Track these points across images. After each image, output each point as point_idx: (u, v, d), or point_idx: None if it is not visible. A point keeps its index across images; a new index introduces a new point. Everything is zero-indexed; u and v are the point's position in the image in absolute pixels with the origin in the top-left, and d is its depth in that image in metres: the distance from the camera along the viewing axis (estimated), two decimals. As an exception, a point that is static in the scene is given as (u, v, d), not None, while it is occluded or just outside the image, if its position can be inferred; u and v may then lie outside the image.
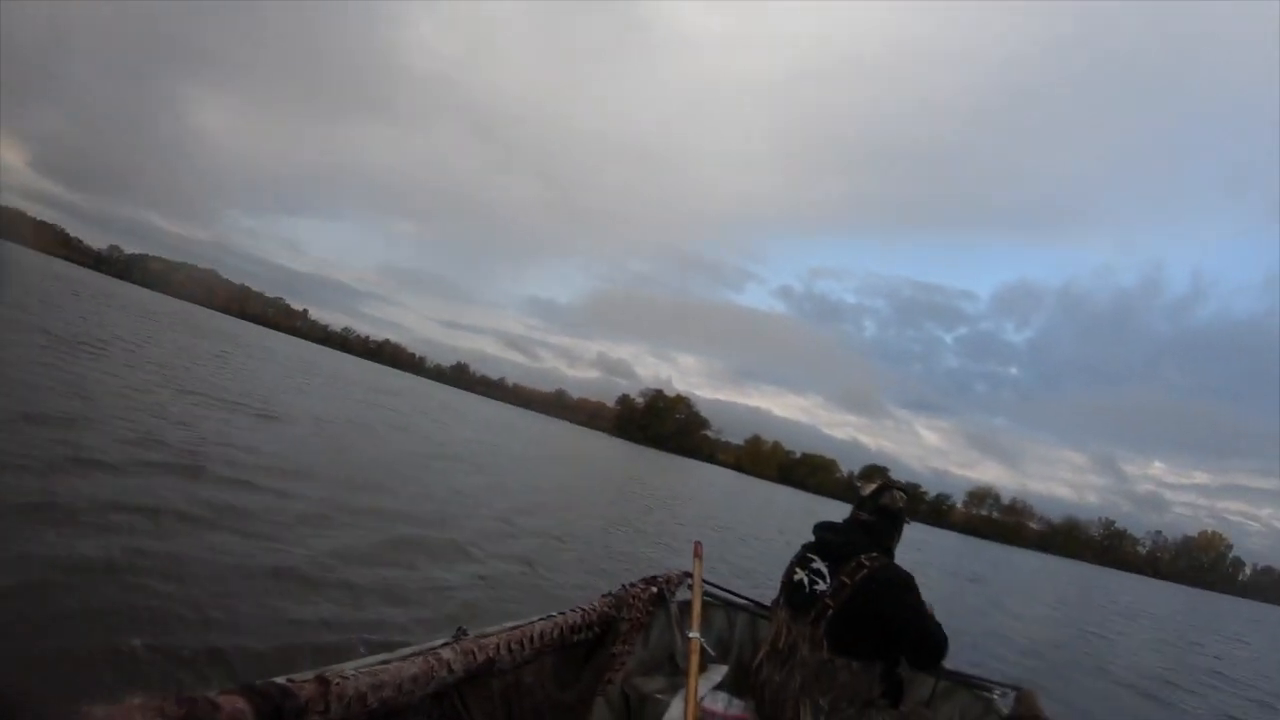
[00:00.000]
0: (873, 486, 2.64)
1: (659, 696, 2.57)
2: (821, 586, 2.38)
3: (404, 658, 1.68)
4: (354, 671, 1.48)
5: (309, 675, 1.37)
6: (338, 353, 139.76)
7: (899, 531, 2.64)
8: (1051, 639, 11.11)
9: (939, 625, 2.46)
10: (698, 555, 2.92)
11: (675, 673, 2.85)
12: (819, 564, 2.44)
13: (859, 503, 2.64)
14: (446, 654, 1.80)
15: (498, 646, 2.02)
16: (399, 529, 7.15)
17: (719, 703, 2.58)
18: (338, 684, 1.39)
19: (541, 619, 2.35)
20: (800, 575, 2.48)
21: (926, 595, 2.48)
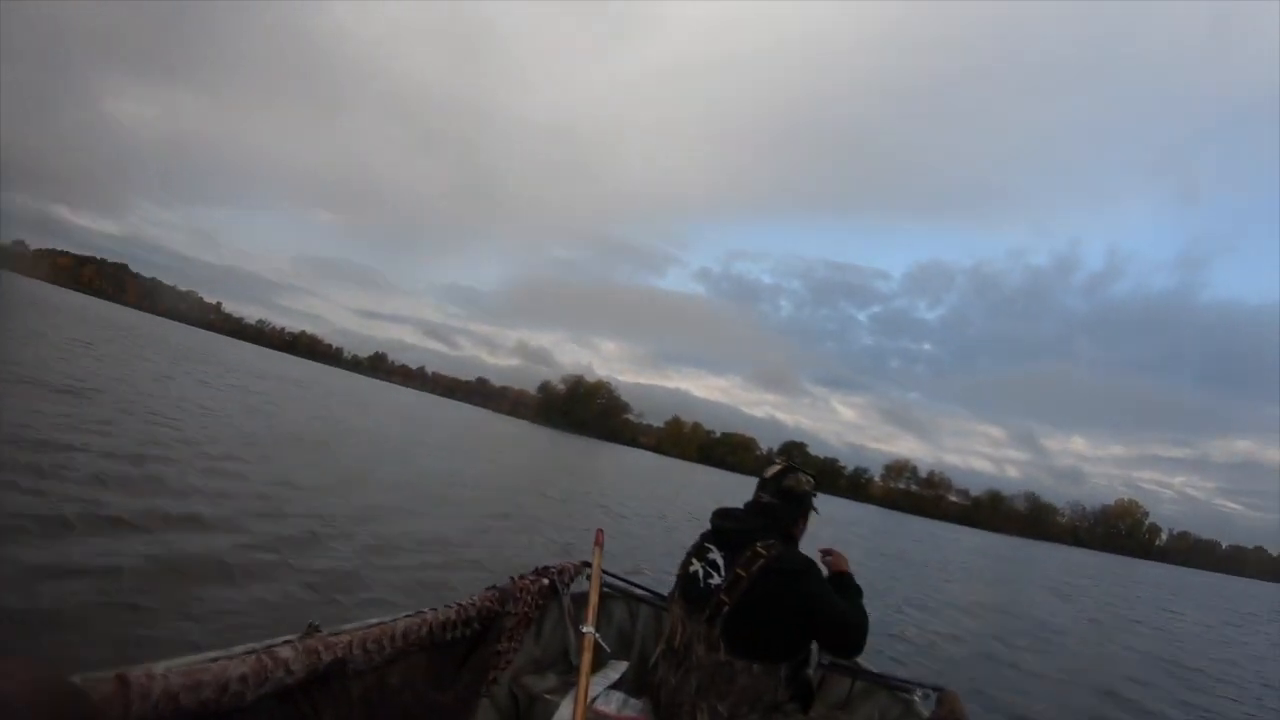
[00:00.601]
0: (776, 468, 2.44)
1: (549, 696, 2.36)
2: (716, 580, 2.19)
3: (234, 656, 1.47)
4: (165, 670, 1.28)
5: (108, 674, 1.18)
6: (252, 346, 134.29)
7: (805, 517, 2.44)
8: (996, 629, 10.49)
9: (857, 607, 2.28)
10: (598, 544, 2.68)
11: (569, 670, 2.63)
12: (715, 554, 2.25)
13: (761, 484, 2.43)
14: (285, 653, 1.58)
15: (349, 645, 1.78)
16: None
17: (613, 703, 2.37)
18: (141, 683, 1.20)
19: (407, 615, 2.09)
20: (696, 567, 2.28)
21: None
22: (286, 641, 1.64)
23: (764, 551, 2.16)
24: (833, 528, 24.69)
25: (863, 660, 2.91)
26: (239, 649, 1.51)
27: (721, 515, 2.40)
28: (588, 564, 2.81)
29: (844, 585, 2.40)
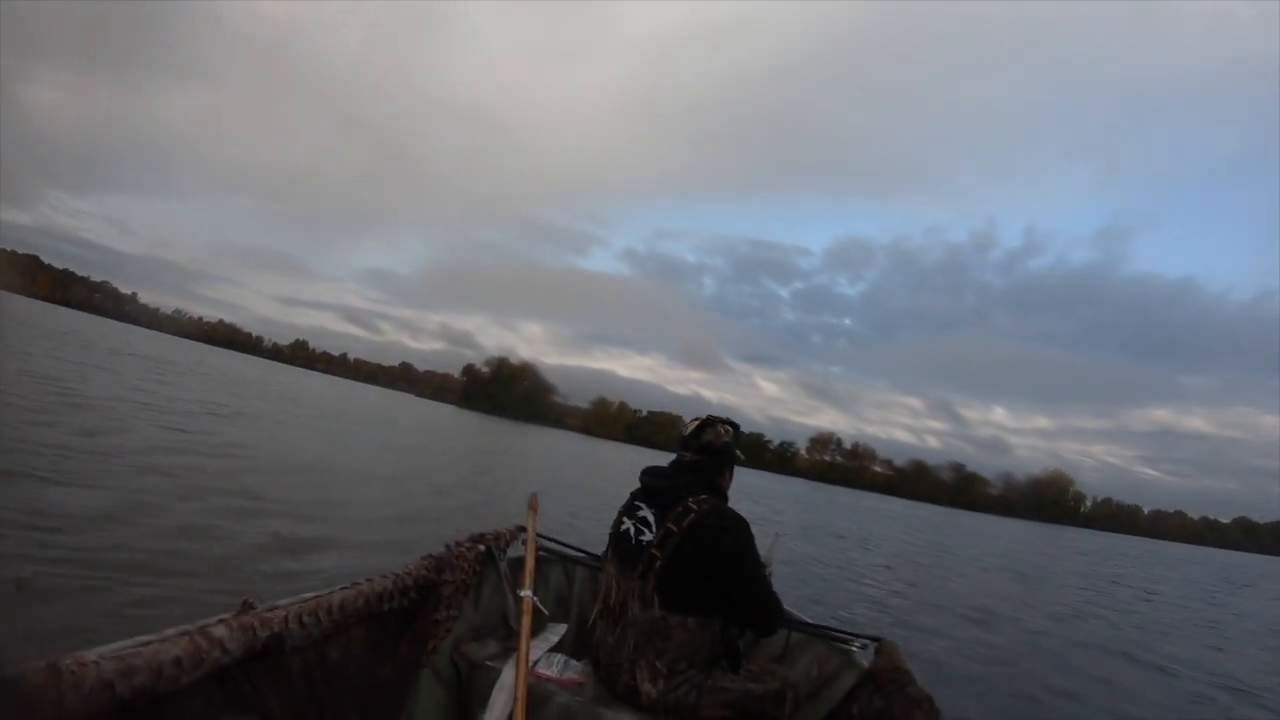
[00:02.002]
0: (695, 423, 2.46)
1: (490, 663, 2.33)
2: (648, 536, 2.20)
3: (166, 639, 1.41)
4: (98, 656, 1.24)
5: (38, 664, 1.14)
6: (169, 337, 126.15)
7: (730, 469, 2.45)
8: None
9: (767, 580, 2.31)
10: (533, 509, 2.67)
11: (509, 636, 2.61)
12: (645, 511, 2.26)
13: (682, 442, 2.45)
14: (219, 632, 1.52)
15: (286, 620, 1.73)
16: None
17: (554, 666, 2.37)
18: (74, 672, 1.16)
19: (343, 588, 2.05)
20: (627, 525, 2.30)
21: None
22: (220, 620, 1.59)
23: (695, 506, 2.17)
24: (765, 502, 25.23)
25: (798, 612, 2.99)
26: (171, 631, 1.46)
27: (650, 473, 2.40)
28: (523, 529, 2.80)
29: None
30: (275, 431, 14.90)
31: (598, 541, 2.78)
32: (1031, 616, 10.27)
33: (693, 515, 2.15)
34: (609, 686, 2.22)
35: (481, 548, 2.67)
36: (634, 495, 2.38)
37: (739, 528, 2.20)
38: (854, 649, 2.74)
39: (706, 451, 2.39)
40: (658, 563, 2.13)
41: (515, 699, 2.01)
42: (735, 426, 2.52)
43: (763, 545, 2.46)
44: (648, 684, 2.13)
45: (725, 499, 2.35)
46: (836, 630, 2.86)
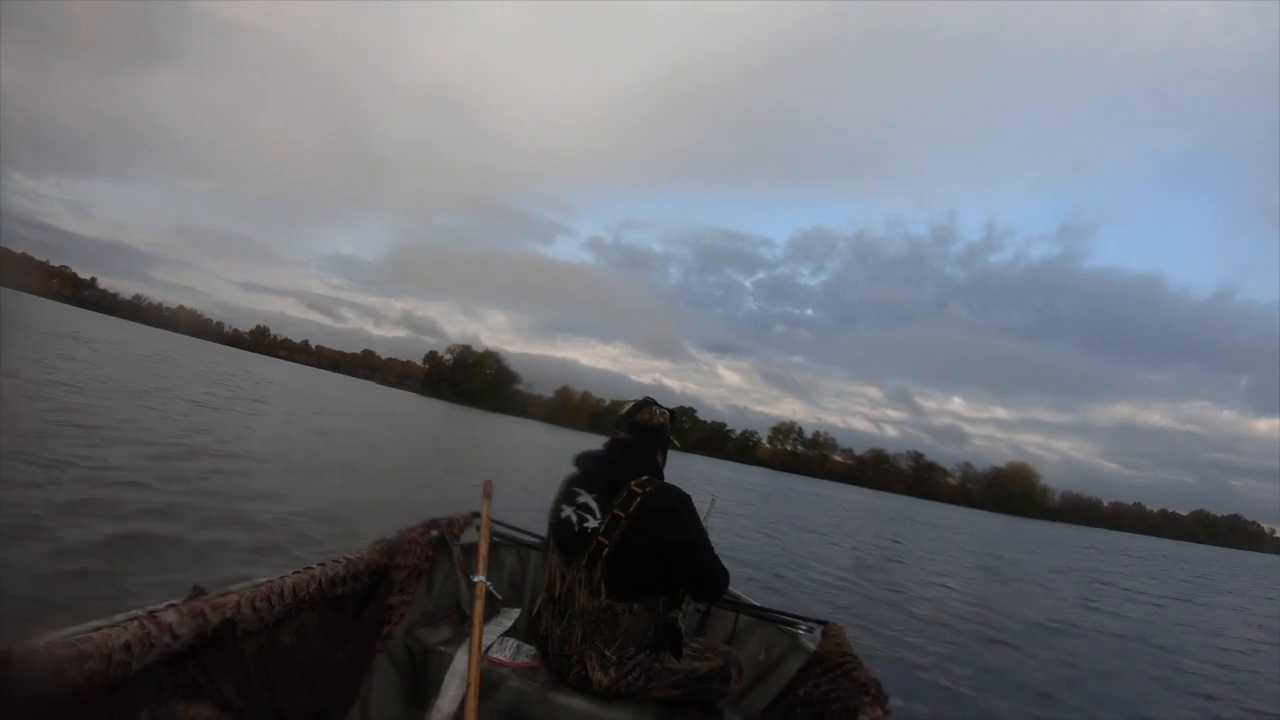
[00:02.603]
0: (630, 404, 2.46)
1: (444, 648, 2.36)
2: (593, 523, 2.18)
3: (116, 624, 1.42)
4: (47, 644, 1.25)
5: None
6: (127, 322, 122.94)
7: (664, 450, 2.44)
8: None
9: (713, 553, 2.32)
10: (487, 495, 2.68)
11: (463, 621, 2.64)
12: (586, 497, 2.24)
13: (616, 422, 2.44)
14: (169, 617, 1.53)
15: (238, 605, 1.74)
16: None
17: (507, 650, 2.39)
18: (24, 659, 1.17)
19: (296, 572, 2.06)
20: (567, 512, 2.27)
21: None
22: (170, 605, 1.59)
23: (639, 490, 2.16)
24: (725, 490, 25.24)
25: (745, 595, 3.04)
26: (120, 616, 1.46)
27: (587, 458, 2.38)
28: (477, 514, 2.80)
29: None
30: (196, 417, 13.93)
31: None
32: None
33: (639, 498, 2.15)
34: (559, 676, 2.23)
35: (434, 533, 2.67)
36: (571, 481, 2.34)
37: (684, 505, 2.21)
38: (801, 632, 2.79)
39: (641, 431, 2.38)
40: (605, 550, 2.13)
41: (468, 684, 2.03)
42: (671, 412, 2.52)
43: (701, 510, 2.47)
44: (599, 673, 2.16)
45: (663, 478, 2.33)
46: (784, 613, 2.91)
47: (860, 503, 46.82)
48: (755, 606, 2.97)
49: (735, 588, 2.98)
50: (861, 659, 2.19)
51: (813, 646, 2.61)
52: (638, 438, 2.37)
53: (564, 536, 2.25)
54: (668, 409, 2.49)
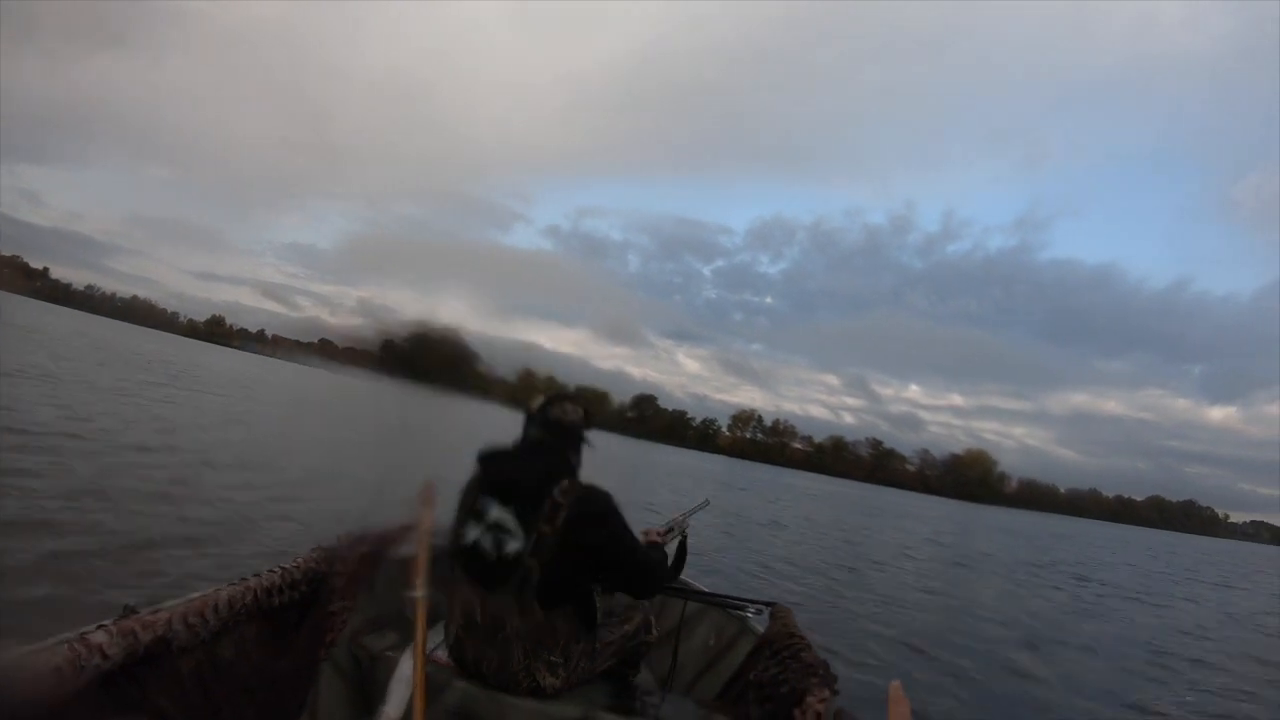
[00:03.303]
0: (540, 399, 2.29)
1: (391, 654, 2.31)
2: (514, 545, 2.00)
3: (45, 648, 1.39)
4: None
5: None
6: (81, 313, 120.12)
7: (578, 449, 2.28)
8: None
9: (644, 548, 2.27)
10: (426, 501, 2.61)
11: (408, 624, 2.58)
12: (499, 512, 2.04)
13: (527, 418, 2.26)
14: (99, 638, 1.50)
15: (169, 622, 1.71)
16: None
17: (446, 654, 2.35)
18: None
19: (230, 584, 2.02)
20: (475, 534, 2.07)
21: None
22: (100, 626, 1.55)
23: (563, 500, 2.02)
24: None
25: (693, 581, 3.04)
26: (50, 640, 1.43)
27: (492, 459, 2.16)
28: (417, 520, 2.73)
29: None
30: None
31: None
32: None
33: (563, 510, 2.00)
34: (507, 691, 2.13)
35: (374, 537, 2.63)
36: (476, 488, 2.15)
37: (609, 507, 2.10)
38: (749, 615, 2.81)
39: (553, 429, 2.22)
40: (535, 575, 2.00)
41: (414, 689, 2.00)
42: (586, 410, 2.33)
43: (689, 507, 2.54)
44: (549, 678, 2.10)
45: (577, 478, 2.19)
46: (732, 598, 2.92)
47: (822, 491, 47.85)
48: (703, 592, 2.98)
49: (687, 575, 3.01)
50: (809, 640, 2.21)
51: (761, 630, 2.62)
52: (552, 437, 2.21)
53: (479, 568, 2.06)
54: (580, 406, 2.31)
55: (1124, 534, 71.51)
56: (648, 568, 2.22)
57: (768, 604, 2.76)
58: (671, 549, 2.67)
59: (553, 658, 2.10)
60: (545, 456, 2.15)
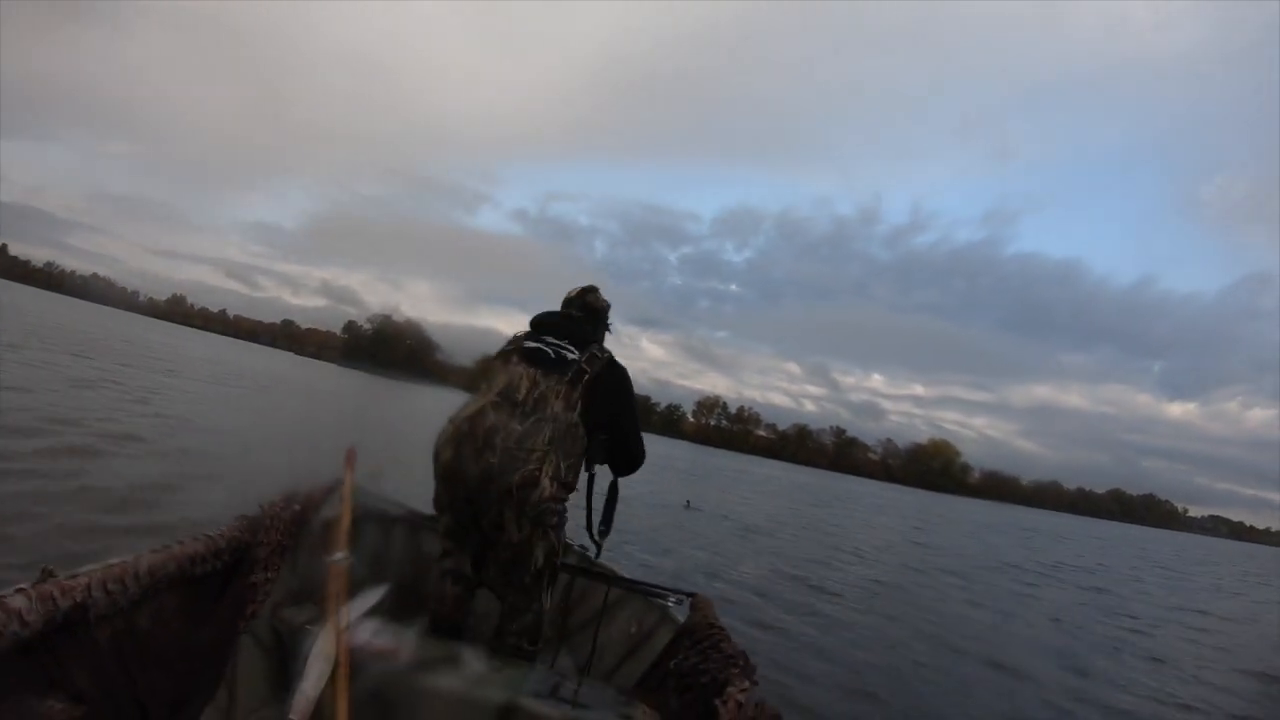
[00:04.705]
0: (580, 287, 2.71)
1: (310, 627, 2.23)
2: (572, 355, 2.35)
3: None
4: None
5: None
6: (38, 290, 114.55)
7: (603, 333, 2.68)
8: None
9: None
10: (349, 464, 2.55)
11: (328, 599, 2.52)
12: (557, 341, 2.40)
13: (567, 302, 2.67)
14: (17, 602, 1.43)
15: (89, 588, 1.63)
16: None
17: (367, 630, 2.29)
18: None
19: (152, 551, 1.94)
20: (536, 344, 2.38)
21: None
22: (18, 590, 1.48)
23: (600, 354, 2.41)
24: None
25: (616, 568, 3.05)
26: None
27: (549, 315, 2.57)
28: (338, 485, 2.63)
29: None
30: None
31: (423, 502, 2.69)
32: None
33: (609, 356, 2.43)
34: (502, 475, 2.14)
35: (296, 507, 2.55)
36: (536, 330, 2.49)
37: (631, 381, 2.51)
38: (670, 603, 2.81)
39: (589, 311, 2.64)
40: (586, 376, 2.31)
41: (333, 667, 1.94)
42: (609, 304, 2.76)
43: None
44: (548, 479, 2.16)
45: None
46: (654, 586, 2.92)
47: (788, 479, 47.63)
48: (625, 579, 2.98)
49: (608, 561, 3.03)
50: (728, 631, 2.22)
51: (682, 619, 2.64)
52: (587, 316, 2.62)
53: (539, 357, 2.34)
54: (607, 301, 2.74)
55: (1095, 528, 70.91)
56: (639, 443, 2.55)
57: (689, 594, 2.77)
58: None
59: (563, 463, 2.20)
60: (584, 324, 2.56)
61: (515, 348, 2.41)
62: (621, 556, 7.03)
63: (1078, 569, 19.11)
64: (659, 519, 12.37)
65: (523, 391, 2.25)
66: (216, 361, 37.27)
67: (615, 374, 2.40)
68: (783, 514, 19.41)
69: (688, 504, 15.40)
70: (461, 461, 2.19)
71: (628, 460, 2.56)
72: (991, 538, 26.31)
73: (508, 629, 2.35)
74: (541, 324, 2.50)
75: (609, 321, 2.73)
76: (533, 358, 2.34)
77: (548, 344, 2.37)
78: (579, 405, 2.24)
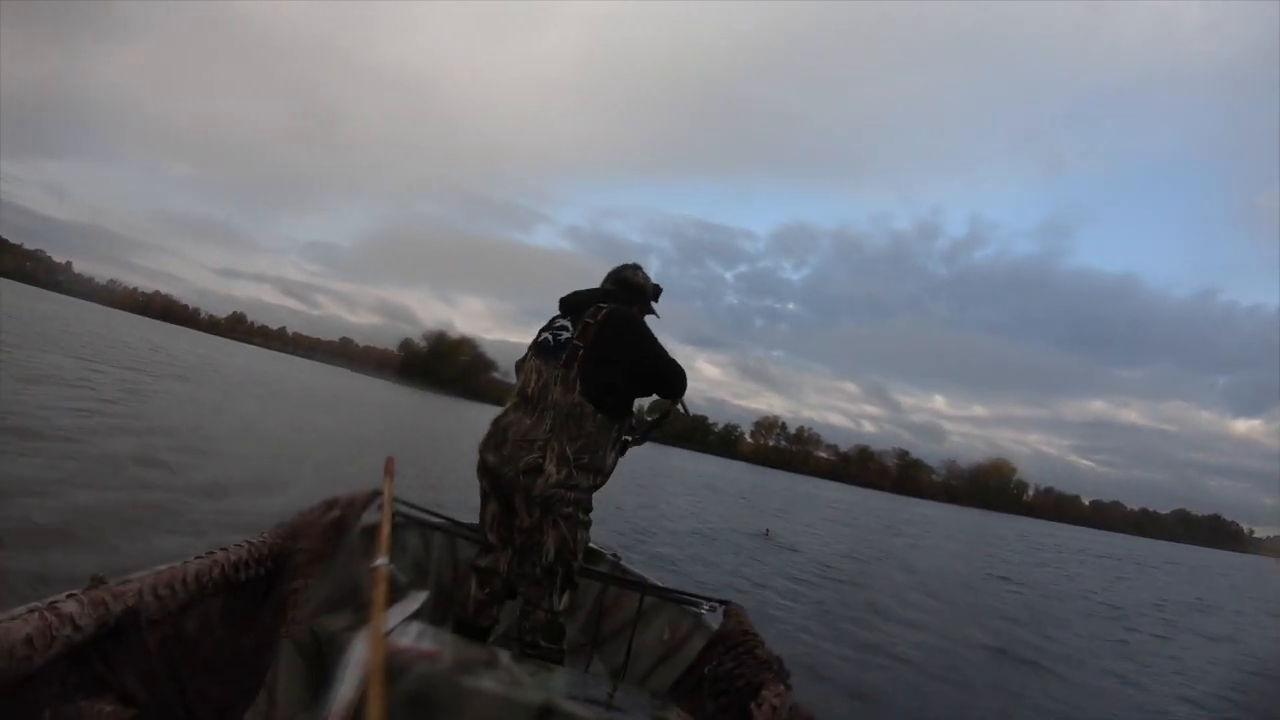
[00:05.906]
0: (620, 265, 2.78)
1: (347, 634, 2.27)
2: (567, 335, 2.43)
3: (15, 616, 1.33)
4: None
5: None
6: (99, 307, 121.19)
7: (636, 304, 2.70)
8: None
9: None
10: (389, 473, 2.60)
11: (367, 605, 2.56)
12: (563, 321, 2.50)
13: (605, 279, 2.76)
14: (69, 607, 1.43)
15: (140, 593, 1.64)
16: None
17: (410, 634, 2.32)
18: None
19: (198, 557, 1.96)
20: (545, 335, 2.50)
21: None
22: (70, 595, 1.49)
23: (605, 306, 2.47)
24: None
25: (650, 577, 3.05)
26: (20, 609, 1.37)
27: (566, 297, 2.63)
28: (378, 493, 2.73)
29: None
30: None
31: (463, 510, 2.71)
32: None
33: (604, 310, 2.45)
34: (509, 464, 2.31)
35: (335, 513, 2.60)
36: (554, 319, 2.57)
37: (641, 320, 2.56)
38: (703, 612, 2.82)
39: (622, 284, 2.71)
40: (580, 351, 2.36)
41: (371, 672, 1.97)
42: (656, 285, 2.83)
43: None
44: (552, 465, 2.26)
45: None
46: (687, 594, 2.95)
47: (860, 503, 45.89)
48: (659, 587, 3.00)
49: (642, 570, 3.03)
50: (762, 638, 2.21)
51: (715, 626, 2.64)
52: (618, 290, 2.68)
53: (543, 348, 2.46)
54: (656, 285, 2.81)
55: (1164, 551, 63.35)
56: (673, 369, 2.56)
57: (722, 602, 2.78)
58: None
59: (569, 447, 2.29)
60: (605, 296, 2.59)
61: (531, 343, 2.55)
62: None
63: (1181, 604, 16.18)
64: (740, 554, 10.85)
65: (531, 386, 2.40)
66: (277, 376, 38.33)
67: (612, 326, 2.42)
68: (884, 546, 17.70)
69: (767, 533, 14.43)
70: (486, 459, 2.39)
71: (667, 390, 2.61)
72: (1072, 566, 24.28)
73: (523, 626, 2.39)
74: (561, 304, 2.61)
75: (651, 304, 2.77)
76: (539, 350, 2.47)
77: (555, 328, 2.49)
78: (577, 384, 2.31)
